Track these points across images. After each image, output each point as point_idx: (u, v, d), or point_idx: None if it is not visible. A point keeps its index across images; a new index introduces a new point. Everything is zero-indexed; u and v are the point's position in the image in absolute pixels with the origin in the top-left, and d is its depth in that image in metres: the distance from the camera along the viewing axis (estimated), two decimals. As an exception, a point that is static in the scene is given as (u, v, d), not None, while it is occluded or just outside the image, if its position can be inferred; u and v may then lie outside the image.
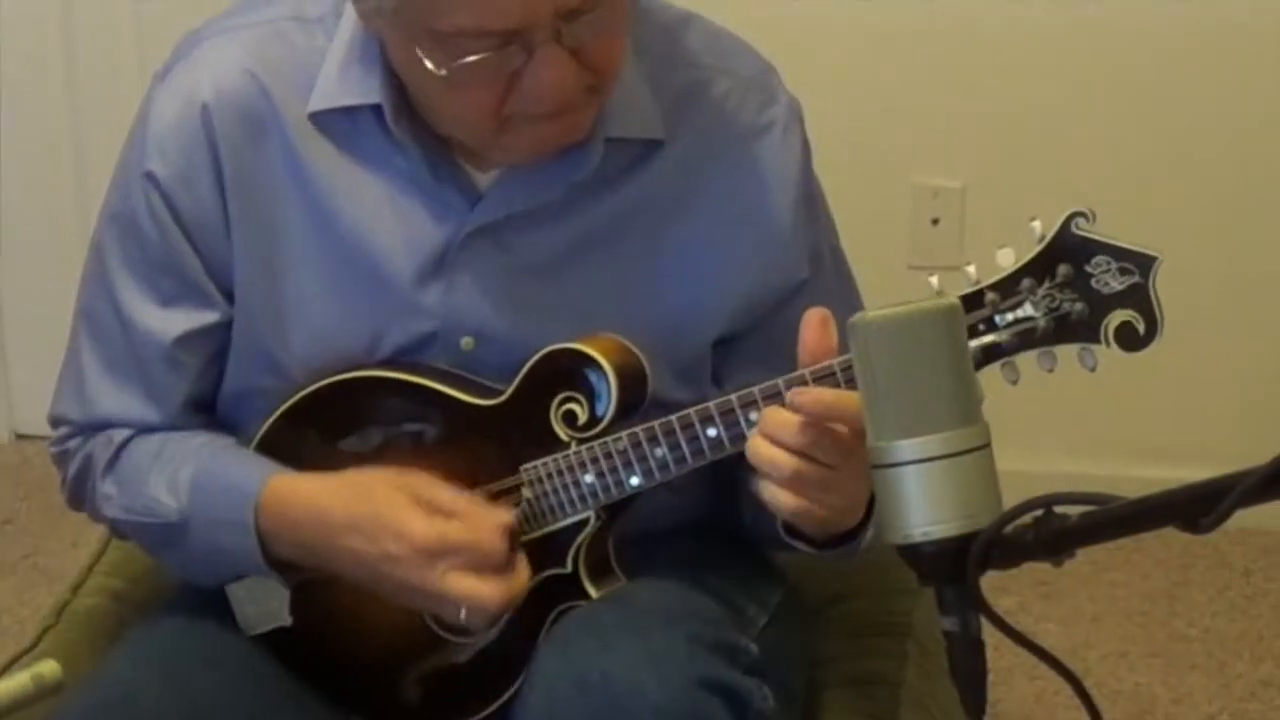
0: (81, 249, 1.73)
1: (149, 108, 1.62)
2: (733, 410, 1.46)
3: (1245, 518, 1.08)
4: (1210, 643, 2.73)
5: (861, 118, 2.91)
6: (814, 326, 1.43)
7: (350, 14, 1.56)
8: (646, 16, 1.61)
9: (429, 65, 1.45)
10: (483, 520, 1.51)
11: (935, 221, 2.99)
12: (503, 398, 1.55)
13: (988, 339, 1.37)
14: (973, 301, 1.36)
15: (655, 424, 1.49)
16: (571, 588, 1.55)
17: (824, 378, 1.42)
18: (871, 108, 2.94)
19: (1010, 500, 1.10)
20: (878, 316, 1.10)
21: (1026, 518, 1.09)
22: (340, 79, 1.57)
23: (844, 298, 1.66)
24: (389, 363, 1.60)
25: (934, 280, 1.30)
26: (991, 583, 1.09)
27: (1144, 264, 1.34)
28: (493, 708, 1.58)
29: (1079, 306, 1.35)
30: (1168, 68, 2.88)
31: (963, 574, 1.09)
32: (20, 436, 3.35)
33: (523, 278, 1.59)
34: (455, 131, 1.55)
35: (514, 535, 1.52)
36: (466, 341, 1.59)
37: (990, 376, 1.35)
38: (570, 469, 1.52)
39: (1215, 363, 2.96)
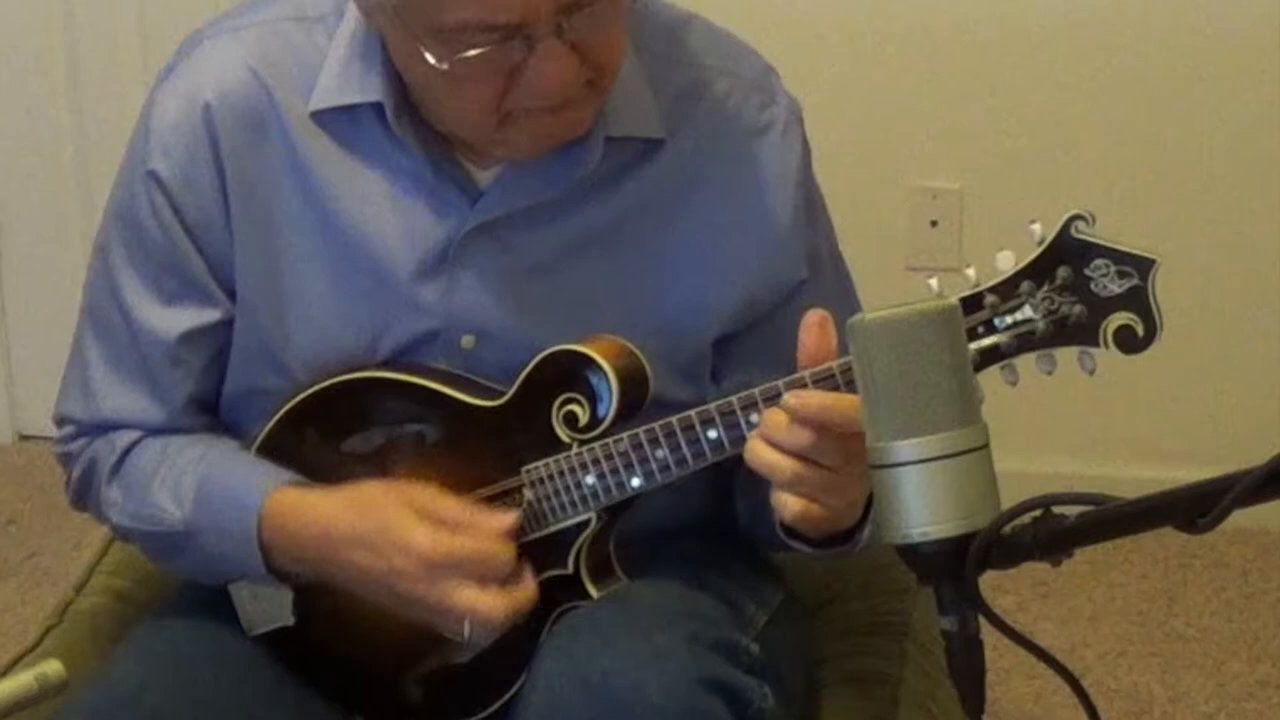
0: (85, 249, 1.74)
1: (152, 107, 1.63)
2: (733, 412, 1.46)
3: (1243, 518, 1.09)
4: (1208, 642, 2.74)
5: (860, 120, 2.91)
6: (813, 329, 1.43)
7: (351, 13, 1.57)
8: (647, 16, 1.61)
9: (431, 60, 1.45)
10: (488, 531, 1.51)
11: (934, 223, 2.99)
12: (504, 399, 1.55)
13: (987, 341, 1.36)
14: (972, 304, 1.36)
15: (656, 426, 1.49)
16: (573, 588, 1.55)
17: (823, 380, 1.42)
18: (870, 110, 2.94)
19: (1009, 500, 1.10)
20: (877, 317, 1.10)
21: (1025, 518, 1.09)
22: (341, 78, 1.57)
23: (843, 300, 1.66)
24: (391, 363, 1.61)
25: (933, 282, 1.30)
26: (990, 582, 1.09)
27: (1143, 267, 1.33)
28: (494, 707, 1.58)
29: (1078, 309, 1.35)
30: (1166, 70, 2.88)
31: (961, 574, 1.09)
32: (24, 437, 3.35)
33: (523, 276, 1.59)
34: (456, 127, 1.56)
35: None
36: (467, 339, 1.60)
37: (989, 378, 1.35)
38: (571, 470, 1.53)
39: (1213, 364, 2.96)
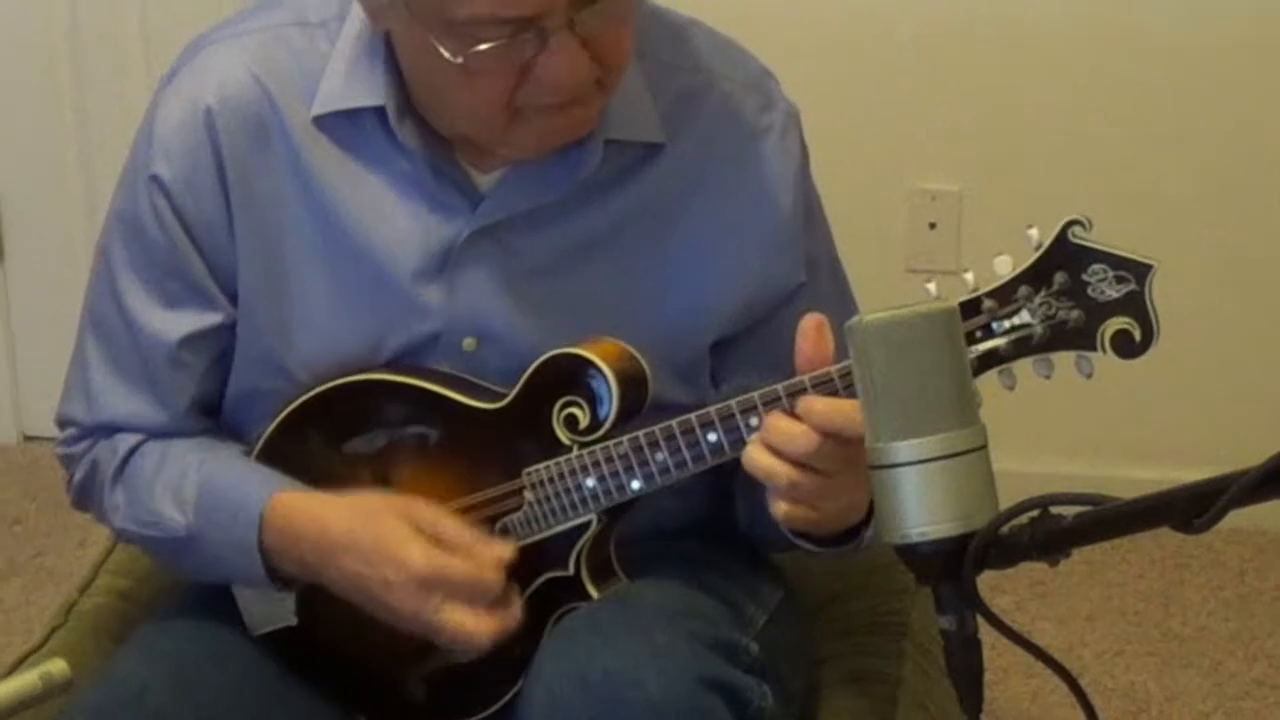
0: (88, 252, 1.75)
1: (154, 112, 1.63)
2: (733, 415, 1.47)
3: (1239, 518, 1.09)
4: (1205, 642, 2.74)
5: (859, 122, 2.91)
6: (810, 334, 1.43)
7: (354, 18, 1.57)
8: (647, 22, 1.61)
9: (445, 54, 1.45)
10: (483, 556, 1.52)
11: (932, 225, 2.99)
12: (505, 401, 1.56)
13: (985, 346, 1.37)
14: (970, 308, 1.36)
15: (656, 429, 1.49)
16: (573, 589, 1.56)
17: (822, 384, 1.42)
18: (868, 112, 2.94)
19: (1006, 501, 1.11)
20: (875, 319, 1.11)
21: (1023, 518, 1.09)
22: (343, 82, 1.58)
23: (840, 303, 1.67)
24: (393, 366, 1.61)
25: (932, 286, 1.30)
26: (988, 582, 1.10)
27: (1140, 272, 1.34)
28: (495, 707, 1.59)
29: (1075, 314, 1.35)
30: (1165, 72, 2.88)
31: (960, 573, 1.10)
32: (28, 438, 3.35)
33: (524, 278, 1.60)
34: (464, 126, 1.56)
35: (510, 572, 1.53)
36: (469, 342, 1.60)
37: (986, 381, 1.36)
38: (572, 473, 1.53)
39: (1210, 364, 2.96)
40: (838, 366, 1.42)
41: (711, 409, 1.48)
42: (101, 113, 3.15)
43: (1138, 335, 1.34)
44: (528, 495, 1.55)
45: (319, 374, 1.62)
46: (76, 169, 3.20)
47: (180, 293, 1.63)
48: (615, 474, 1.52)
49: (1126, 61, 2.88)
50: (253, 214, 1.60)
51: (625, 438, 1.51)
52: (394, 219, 1.59)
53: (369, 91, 1.57)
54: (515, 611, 1.54)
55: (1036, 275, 1.36)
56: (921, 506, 1.10)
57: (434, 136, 1.58)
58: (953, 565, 1.10)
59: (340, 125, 1.59)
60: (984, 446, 1.11)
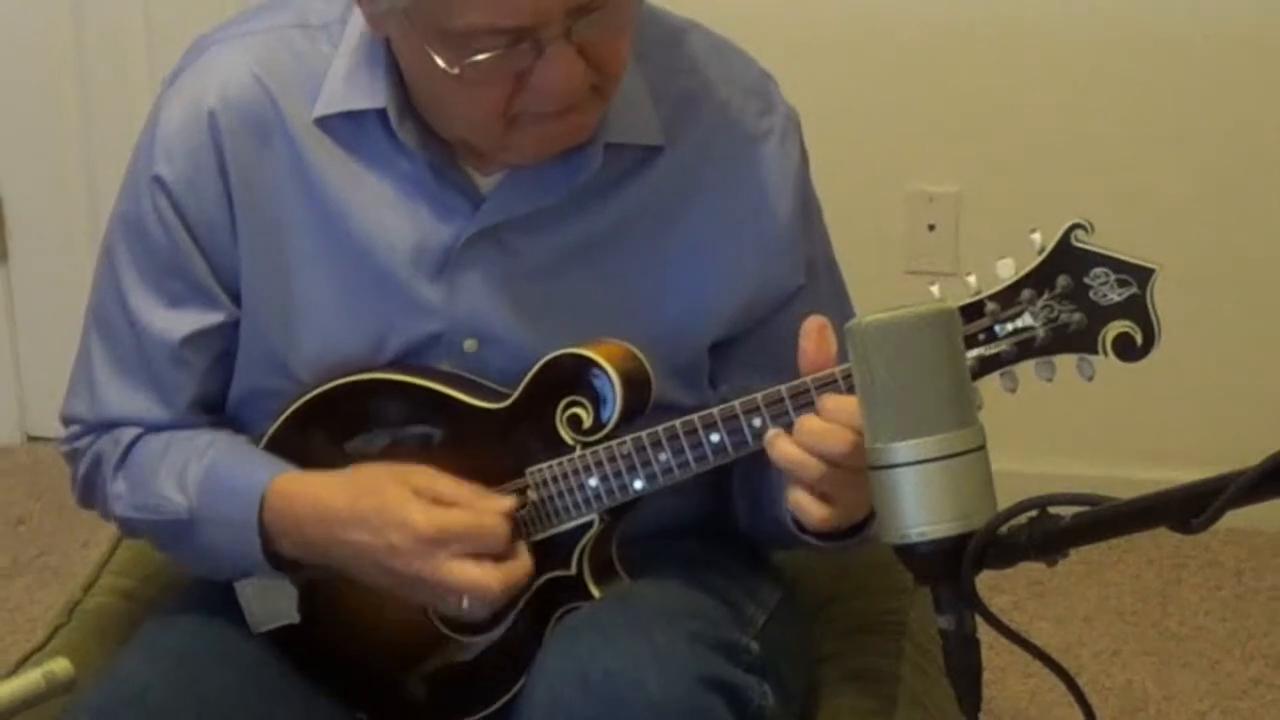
0: (92, 252, 1.75)
1: (157, 113, 1.63)
2: (735, 416, 1.47)
3: (1236, 518, 1.10)
4: (1202, 641, 2.74)
5: (857, 123, 2.91)
6: (812, 335, 1.44)
7: (356, 20, 1.58)
8: (647, 25, 1.61)
9: (441, 64, 1.46)
10: (483, 506, 1.52)
11: (931, 227, 2.99)
12: (508, 401, 1.56)
13: (988, 349, 1.37)
14: (973, 311, 1.37)
15: (659, 429, 1.50)
16: (575, 589, 1.56)
17: (826, 385, 1.43)
18: (867, 113, 2.94)
19: (1005, 501, 1.11)
20: (874, 320, 1.11)
21: (1021, 518, 1.10)
22: (345, 84, 1.58)
23: (839, 305, 1.68)
24: (396, 365, 1.61)
25: (935, 289, 1.31)
26: (986, 582, 1.10)
27: (1142, 276, 1.34)
28: (496, 706, 1.59)
29: (1077, 317, 1.36)
30: (1165, 73, 2.88)
31: (958, 573, 1.11)
32: (32, 438, 3.35)
33: (525, 280, 1.60)
34: (463, 132, 1.57)
35: (515, 523, 1.53)
36: (470, 343, 1.61)
37: (988, 383, 1.36)
38: (575, 472, 1.53)
39: (1209, 365, 2.96)
40: (841, 368, 1.42)
41: (714, 410, 1.48)
42: (105, 114, 3.15)
43: (1139, 339, 1.35)
44: (531, 495, 1.55)
45: (321, 374, 1.62)
46: (80, 170, 3.20)
47: (183, 292, 1.64)
48: (618, 474, 1.52)
49: (1126, 61, 2.88)
50: (255, 214, 1.61)
51: (628, 438, 1.51)
52: (395, 220, 1.60)
53: (370, 94, 1.57)
54: (524, 561, 1.53)
55: (1039, 278, 1.37)
56: (920, 507, 1.10)
57: (435, 138, 1.58)
58: (951, 565, 1.11)
59: (342, 126, 1.59)
60: (983, 447, 1.12)
